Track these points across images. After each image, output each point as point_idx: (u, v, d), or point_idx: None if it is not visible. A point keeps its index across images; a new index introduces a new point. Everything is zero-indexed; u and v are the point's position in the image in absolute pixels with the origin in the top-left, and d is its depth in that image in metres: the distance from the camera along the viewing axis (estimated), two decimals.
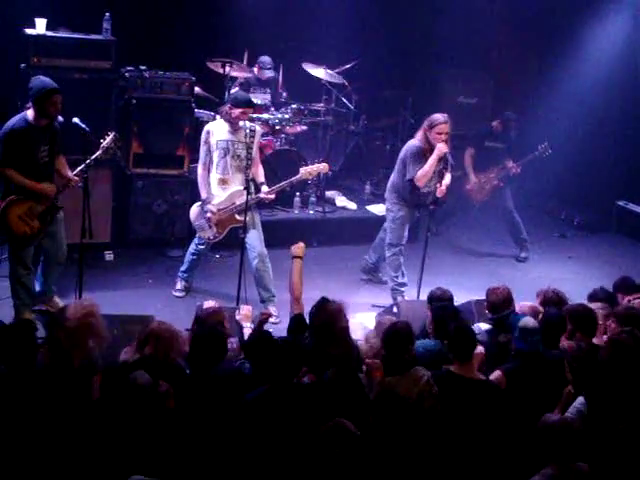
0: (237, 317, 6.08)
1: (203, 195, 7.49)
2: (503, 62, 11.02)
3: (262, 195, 7.42)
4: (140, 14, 9.46)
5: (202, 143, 7.47)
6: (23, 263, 6.69)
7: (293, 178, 7.65)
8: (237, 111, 7.30)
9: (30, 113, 6.45)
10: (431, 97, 11.13)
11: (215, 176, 7.46)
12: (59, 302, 6.87)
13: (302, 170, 7.69)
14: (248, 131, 7.21)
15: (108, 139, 6.71)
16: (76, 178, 6.54)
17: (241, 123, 7.31)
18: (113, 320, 6.16)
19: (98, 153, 6.65)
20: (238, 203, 7.36)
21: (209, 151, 7.43)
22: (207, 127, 7.52)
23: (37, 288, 6.97)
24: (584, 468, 4.24)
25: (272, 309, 7.42)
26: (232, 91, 8.87)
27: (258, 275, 7.46)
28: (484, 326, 6.05)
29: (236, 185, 7.42)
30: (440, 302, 6.02)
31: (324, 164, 7.96)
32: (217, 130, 7.41)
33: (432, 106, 10.02)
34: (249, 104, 7.46)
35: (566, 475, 4.13)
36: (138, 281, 8.07)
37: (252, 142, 7.17)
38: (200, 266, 7.93)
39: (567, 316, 5.79)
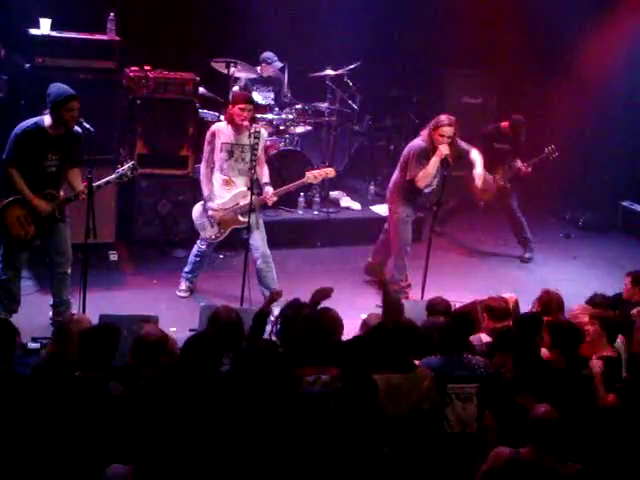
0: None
1: (205, 192, 7.48)
2: (508, 62, 10.99)
3: (266, 197, 7.41)
4: (144, 14, 9.47)
5: (206, 143, 7.46)
6: (13, 266, 6.65)
7: (298, 182, 7.63)
8: (235, 108, 7.27)
9: (47, 119, 6.41)
10: (436, 97, 11.13)
11: (219, 177, 7.46)
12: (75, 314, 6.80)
13: (308, 174, 7.64)
14: (253, 132, 7.19)
15: (125, 167, 6.69)
16: (84, 193, 6.43)
17: (245, 124, 7.28)
18: (117, 320, 6.19)
19: (112, 177, 6.65)
20: (242, 204, 7.36)
21: (213, 152, 7.42)
22: (213, 128, 7.50)
23: (50, 301, 6.94)
24: (570, 468, 4.41)
25: (276, 310, 7.40)
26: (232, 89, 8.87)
27: (261, 275, 7.45)
28: (485, 338, 5.90)
29: (239, 187, 7.42)
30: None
31: (330, 169, 7.92)
32: (222, 132, 7.39)
33: (437, 106, 10.05)
34: (246, 100, 7.41)
35: (540, 458, 4.33)
36: (142, 281, 8.07)
37: (257, 144, 7.15)
38: (204, 266, 7.92)
39: None
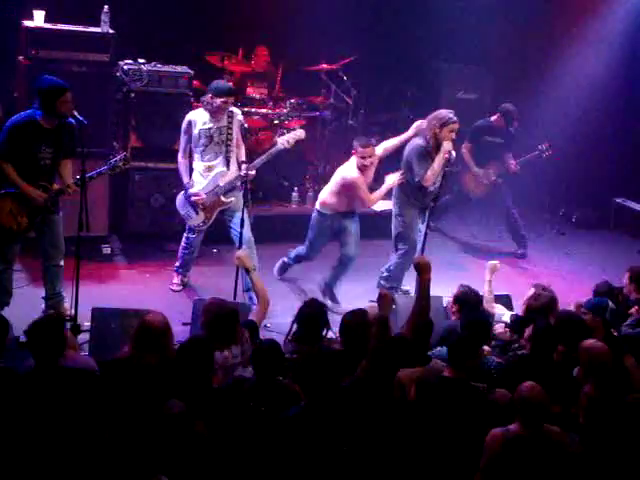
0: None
1: (185, 180, 7.47)
2: (503, 58, 10.98)
3: (242, 172, 7.26)
4: (138, 7, 9.42)
5: (182, 133, 7.45)
6: (4, 258, 6.61)
7: (272, 149, 7.54)
8: (219, 100, 7.25)
9: (39, 114, 6.38)
10: (430, 92, 11.11)
11: (201, 164, 7.43)
12: (68, 307, 6.71)
13: (278, 139, 7.61)
14: (226, 113, 7.26)
15: (117, 158, 6.71)
16: (75, 188, 6.43)
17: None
18: (110, 314, 6.18)
19: (104, 168, 6.66)
20: (222, 184, 7.37)
21: (190, 141, 7.41)
22: (188, 117, 7.47)
23: (43, 293, 6.91)
24: (554, 430, 4.52)
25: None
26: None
27: None
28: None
29: (219, 169, 7.43)
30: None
31: (300, 130, 7.82)
32: (199, 119, 7.37)
33: (431, 101, 10.03)
34: (230, 93, 7.43)
35: (534, 435, 4.43)
36: (135, 275, 8.05)
37: (231, 124, 7.23)
38: (196, 260, 7.89)
39: None
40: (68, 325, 6.13)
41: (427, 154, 7.49)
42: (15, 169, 6.39)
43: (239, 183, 7.36)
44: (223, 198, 7.40)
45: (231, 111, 7.31)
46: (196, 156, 7.43)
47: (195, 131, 7.36)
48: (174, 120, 8.45)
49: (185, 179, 7.47)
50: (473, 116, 9.95)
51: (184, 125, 7.44)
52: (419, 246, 7.74)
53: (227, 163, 7.31)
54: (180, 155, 7.50)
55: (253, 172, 7.37)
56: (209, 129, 7.35)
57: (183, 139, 7.46)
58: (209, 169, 7.42)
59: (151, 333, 4.95)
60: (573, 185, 11.20)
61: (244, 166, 7.28)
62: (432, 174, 7.45)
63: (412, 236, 7.69)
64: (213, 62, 9.32)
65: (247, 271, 6.34)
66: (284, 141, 7.54)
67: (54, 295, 6.85)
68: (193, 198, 7.41)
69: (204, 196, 7.39)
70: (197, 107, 8.87)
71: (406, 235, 7.71)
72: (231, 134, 7.27)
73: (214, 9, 10.01)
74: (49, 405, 4.39)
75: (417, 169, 7.49)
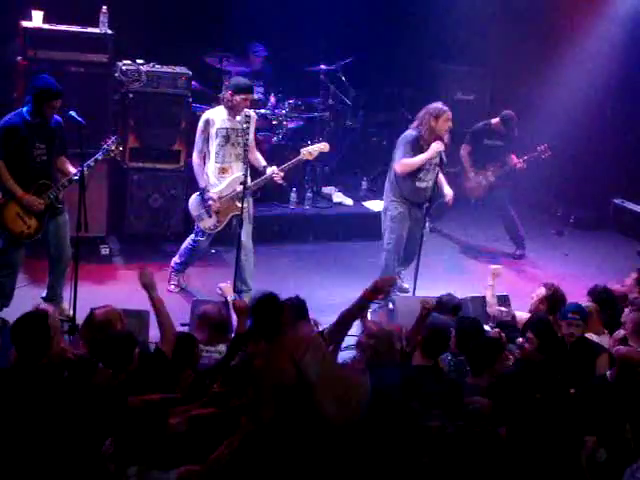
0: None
1: (202, 184, 7.37)
2: (501, 59, 10.99)
3: (274, 177, 7.31)
4: (137, 8, 9.41)
5: (199, 132, 7.35)
6: (10, 263, 6.61)
7: (295, 159, 7.55)
8: (239, 97, 7.19)
9: (26, 110, 6.39)
10: (429, 93, 11.08)
11: (214, 165, 7.35)
12: (67, 309, 6.66)
13: (303, 150, 7.58)
14: (244, 116, 7.19)
15: (109, 142, 6.70)
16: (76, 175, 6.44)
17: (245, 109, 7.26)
18: None
19: (99, 154, 6.64)
20: (239, 190, 7.22)
21: (207, 140, 7.32)
22: (206, 116, 7.38)
23: (43, 294, 6.90)
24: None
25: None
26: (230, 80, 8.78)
27: (239, 266, 7.26)
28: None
29: (236, 172, 7.33)
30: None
31: (324, 143, 7.83)
32: (217, 119, 7.29)
33: (430, 102, 10.00)
34: (251, 90, 7.40)
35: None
36: (133, 275, 7.98)
37: (248, 127, 7.16)
38: (195, 260, 7.88)
39: None
40: (66, 326, 6.14)
41: (417, 145, 7.45)
42: (13, 171, 6.37)
43: (252, 192, 7.40)
44: (238, 203, 7.26)
45: (248, 116, 7.23)
46: (211, 156, 7.34)
47: (212, 130, 7.28)
48: (173, 121, 8.48)
49: (202, 182, 7.36)
50: (471, 117, 9.96)
51: (201, 124, 7.34)
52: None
53: (245, 168, 7.12)
54: (196, 155, 7.38)
55: (282, 174, 7.42)
56: (226, 129, 7.27)
57: (200, 138, 7.34)
58: (224, 171, 7.35)
59: (94, 327, 5.15)
60: (572, 186, 11.22)
61: (272, 168, 7.31)
62: (409, 164, 7.41)
63: (399, 231, 7.66)
64: (211, 62, 9.32)
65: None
66: (307, 152, 7.56)
67: (54, 296, 6.85)
68: (210, 202, 7.33)
69: (219, 204, 7.35)
70: (197, 107, 9.02)
71: (393, 228, 7.69)
72: (248, 138, 7.20)
73: (212, 10, 10.01)
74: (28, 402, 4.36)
75: (399, 154, 7.48)
